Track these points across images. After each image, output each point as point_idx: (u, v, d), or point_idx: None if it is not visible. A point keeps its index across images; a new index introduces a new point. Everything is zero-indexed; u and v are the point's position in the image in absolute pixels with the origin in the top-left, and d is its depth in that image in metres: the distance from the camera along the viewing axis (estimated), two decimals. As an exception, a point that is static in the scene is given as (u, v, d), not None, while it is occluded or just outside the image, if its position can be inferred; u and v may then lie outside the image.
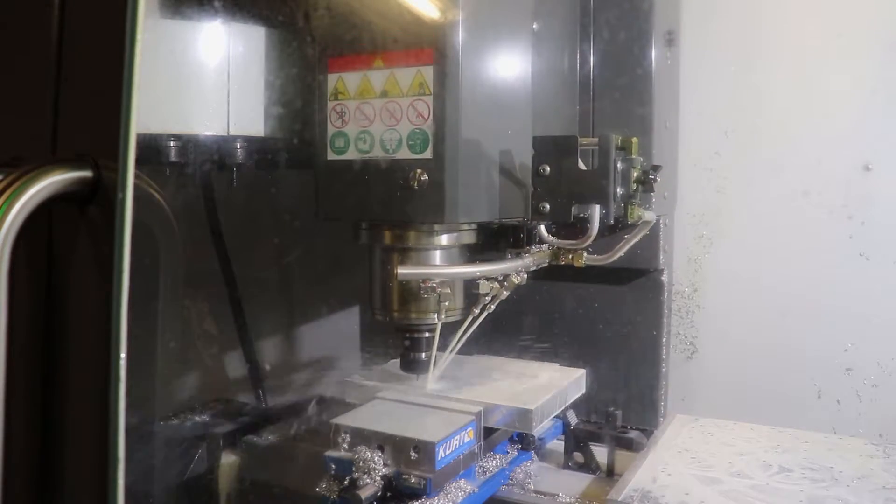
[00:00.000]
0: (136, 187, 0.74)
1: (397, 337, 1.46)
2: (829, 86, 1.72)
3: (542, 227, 1.44)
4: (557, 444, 1.57)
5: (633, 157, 1.30)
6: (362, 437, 1.25)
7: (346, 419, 1.30)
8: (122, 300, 0.72)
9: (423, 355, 1.42)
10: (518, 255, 1.42)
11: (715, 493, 1.24)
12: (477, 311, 1.40)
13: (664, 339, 1.71)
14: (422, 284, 1.30)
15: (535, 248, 1.45)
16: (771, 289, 1.79)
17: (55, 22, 0.84)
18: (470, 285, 1.39)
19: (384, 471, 1.21)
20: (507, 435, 1.46)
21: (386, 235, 1.36)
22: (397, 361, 1.59)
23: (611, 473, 1.48)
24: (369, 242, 1.40)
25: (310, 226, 2.11)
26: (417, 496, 1.20)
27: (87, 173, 0.77)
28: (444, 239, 1.35)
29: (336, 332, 2.23)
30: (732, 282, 1.83)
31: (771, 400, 1.77)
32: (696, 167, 1.83)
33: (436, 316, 1.36)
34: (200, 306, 2.18)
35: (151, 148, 1.30)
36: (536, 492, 1.43)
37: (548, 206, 1.29)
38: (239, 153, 1.39)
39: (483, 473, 1.37)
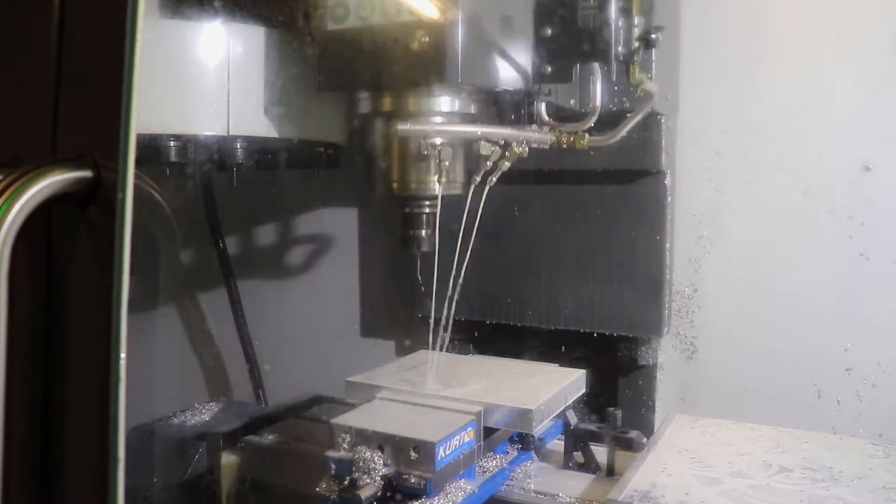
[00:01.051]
0: (136, 187, 0.74)
1: (396, 217, 1.42)
2: (829, 86, 1.72)
3: (543, 108, 1.41)
4: (557, 444, 1.57)
5: (636, 15, 1.27)
6: (362, 437, 1.25)
7: (346, 419, 1.30)
8: (122, 300, 0.72)
9: (423, 232, 1.39)
10: (520, 127, 1.39)
11: (715, 493, 1.24)
12: (478, 179, 1.36)
13: (667, 246, 1.67)
14: (422, 142, 1.27)
15: (535, 128, 1.43)
16: (771, 289, 1.79)
17: (55, 22, 0.84)
18: (471, 163, 1.36)
19: (384, 471, 1.21)
20: (507, 435, 1.46)
21: (386, 102, 1.33)
22: (396, 361, 1.59)
23: (611, 473, 1.48)
24: (370, 112, 1.37)
25: (310, 224, 2.10)
26: (417, 496, 1.20)
27: (87, 173, 0.78)
28: (444, 103, 1.32)
29: (335, 328, 2.23)
30: (732, 282, 1.83)
31: (771, 400, 1.77)
32: (696, 167, 1.82)
33: (436, 183, 1.32)
34: (200, 306, 2.18)
35: (151, 148, 1.30)
36: (536, 492, 1.43)
37: (549, 69, 1.27)
38: (239, 153, 1.39)
39: (483, 473, 1.37)
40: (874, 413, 1.71)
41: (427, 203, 1.37)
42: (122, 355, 0.72)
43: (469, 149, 1.39)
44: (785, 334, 1.77)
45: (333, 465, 1.24)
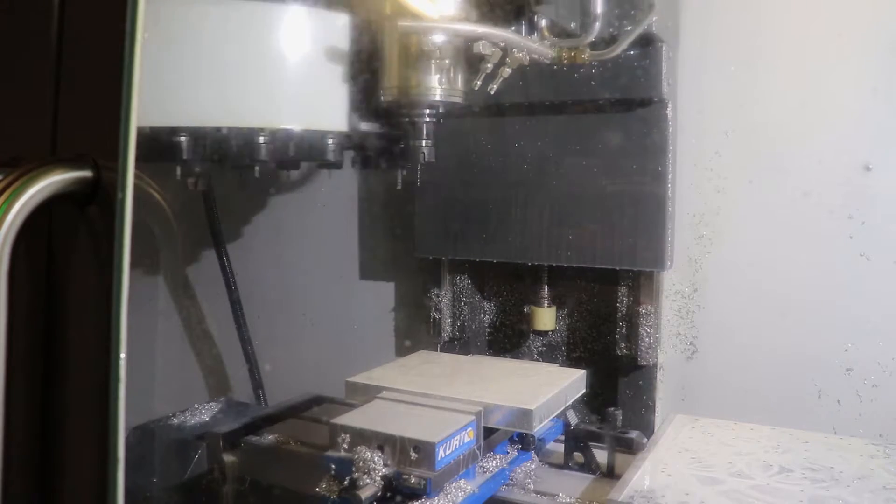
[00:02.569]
0: (136, 187, 0.74)
1: (397, 126, 1.41)
2: (829, 86, 1.72)
3: (544, 23, 1.41)
4: (557, 445, 1.57)
5: None
6: (362, 437, 1.25)
7: (346, 419, 1.30)
8: (122, 300, 0.72)
9: (423, 143, 1.37)
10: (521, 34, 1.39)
11: (715, 493, 1.23)
12: (478, 83, 1.35)
13: (669, 178, 1.65)
14: (423, 38, 1.26)
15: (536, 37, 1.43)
16: (771, 289, 1.79)
17: (55, 22, 0.84)
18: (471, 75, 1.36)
19: (384, 471, 1.21)
20: (507, 435, 1.46)
21: (387, 4, 1.33)
22: (397, 361, 1.59)
23: (611, 474, 1.48)
24: (377, 21, 1.36)
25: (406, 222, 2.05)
26: (417, 496, 1.20)
27: (87, 173, 0.78)
28: (445, 6, 1.30)
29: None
30: (732, 282, 1.83)
31: (771, 400, 1.77)
32: (696, 167, 1.82)
33: (437, 88, 1.31)
34: (199, 305, 2.18)
35: (248, 145, 1.26)
36: (536, 492, 1.43)
37: None
38: (329, 149, 1.35)
39: (483, 473, 1.37)
40: (874, 413, 1.71)
41: (427, 112, 1.35)
42: (122, 355, 0.72)
43: (469, 56, 1.36)
44: (785, 334, 1.77)
45: (333, 465, 1.24)
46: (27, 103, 0.87)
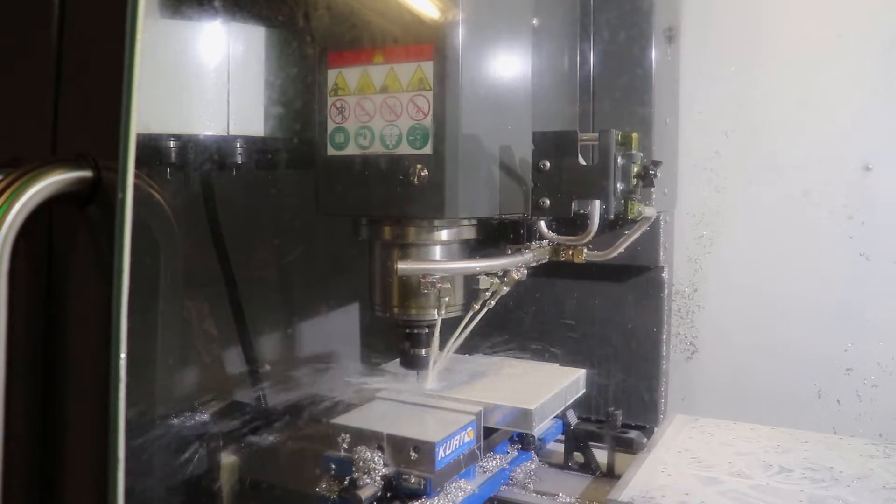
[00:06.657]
0: (136, 187, 0.74)
1: (397, 333, 1.46)
2: (829, 86, 1.72)
3: (542, 223, 1.44)
4: (557, 445, 1.57)
5: (634, 152, 1.30)
6: (362, 437, 1.25)
7: (346, 419, 1.30)
8: (122, 300, 0.72)
9: (423, 351, 1.42)
10: (518, 251, 1.42)
11: (715, 494, 1.23)
12: (477, 307, 1.40)
13: (664, 337, 1.69)
14: (422, 280, 1.30)
15: (535, 244, 1.45)
16: (771, 289, 1.79)
17: (55, 22, 0.84)
18: (470, 281, 1.39)
19: (384, 471, 1.21)
20: (507, 435, 1.46)
21: (385, 231, 1.36)
22: (396, 362, 1.59)
23: (611, 474, 1.48)
24: (369, 238, 1.40)
25: (309, 225, 2.10)
26: (417, 496, 1.20)
27: (87, 173, 0.77)
28: (444, 234, 1.35)
29: (335, 331, 2.22)
30: (732, 282, 1.83)
31: (771, 400, 1.77)
32: (696, 167, 1.83)
33: (435, 312, 1.36)
34: (200, 307, 2.17)
35: (151, 148, 1.30)
36: (536, 492, 1.43)
37: (548, 202, 1.30)
38: (239, 153, 1.39)
39: (483, 473, 1.37)
40: (874, 413, 1.71)
41: (426, 324, 1.41)
42: (122, 355, 0.72)
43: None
44: (785, 334, 1.77)
45: (333, 465, 1.24)
46: (27, 103, 0.87)
